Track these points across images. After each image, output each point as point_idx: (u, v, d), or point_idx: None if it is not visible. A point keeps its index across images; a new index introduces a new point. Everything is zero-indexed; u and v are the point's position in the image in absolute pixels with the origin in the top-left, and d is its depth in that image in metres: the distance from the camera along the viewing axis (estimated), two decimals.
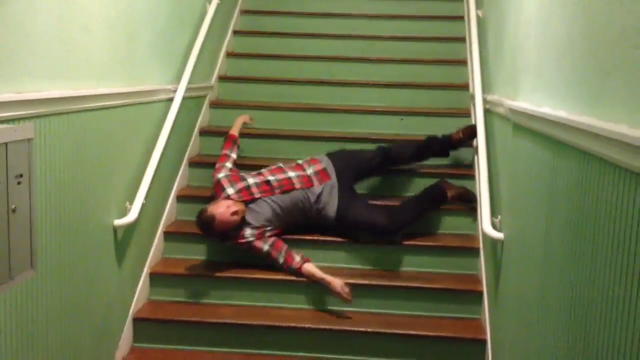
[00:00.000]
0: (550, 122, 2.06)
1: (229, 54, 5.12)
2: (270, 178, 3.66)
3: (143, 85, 3.40)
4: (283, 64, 5.05)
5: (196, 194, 4.13)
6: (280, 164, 3.79)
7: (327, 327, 3.39)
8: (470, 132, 4.04)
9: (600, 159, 1.62)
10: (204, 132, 4.55)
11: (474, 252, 3.73)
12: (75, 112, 2.61)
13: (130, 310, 3.43)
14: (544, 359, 2.10)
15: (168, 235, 3.88)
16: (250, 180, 3.64)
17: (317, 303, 3.56)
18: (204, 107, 4.66)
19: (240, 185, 3.62)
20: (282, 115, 4.67)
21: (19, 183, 1.89)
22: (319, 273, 3.49)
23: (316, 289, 3.53)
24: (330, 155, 3.90)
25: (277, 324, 3.38)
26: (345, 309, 3.50)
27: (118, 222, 3.11)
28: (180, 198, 4.10)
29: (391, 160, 3.99)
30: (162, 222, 3.87)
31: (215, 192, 3.68)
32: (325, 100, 4.78)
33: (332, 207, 3.66)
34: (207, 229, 3.46)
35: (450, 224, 3.95)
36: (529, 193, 2.46)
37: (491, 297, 3.28)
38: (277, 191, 3.62)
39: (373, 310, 3.56)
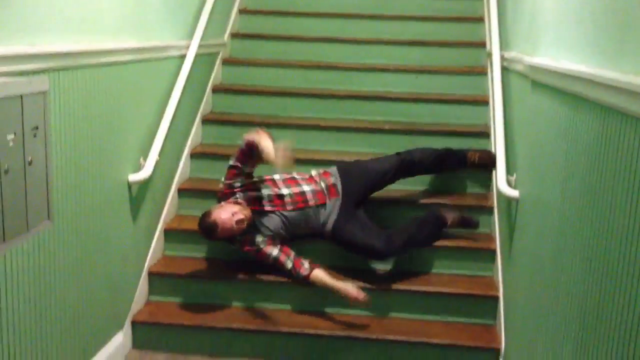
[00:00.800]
0: (570, 77, 2.03)
1: (242, 11, 5.06)
2: (285, 192, 3.41)
3: (156, 41, 3.37)
4: (296, 21, 4.98)
5: (210, 152, 4.13)
6: (295, 175, 3.54)
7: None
8: (485, 159, 3.76)
9: (621, 114, 1.59)
10: (217, 90, 4.52)
11: (488, 210, 3.72)
12: (89, 66, 2.60)
13: (145, 265, 3.47)
14: (556, 316, 2.11)
15: (182, 192, 3.90)
16: (264, 192, 3.39)
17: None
18: (217, 64, 4.63)
19: (252, 194, 3.38)
20: (294, 72, 4.62)
21: (34, 135, 1.90)
22: (330, 281, 3.25)
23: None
24: (340, 170, 3.60)
25: (287, 279, 3.39)
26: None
27: (132, 177, 3.12)
28: (194, 155, 4.10)
29: (406, 172, 3.73)
30: (176, 179, 3.88)
31: (224, 192, 3.40)
32: (339, 58, 4.73)
33: (330, 222, 3.45)
34: (209, 235, 3.25)
35: (464, 183, 3.93)
36: (547, 150, 2.43)
37: (504, 255, 3.29)
38: (289, 207, 3.39)
39: (390, 266, 3.58)
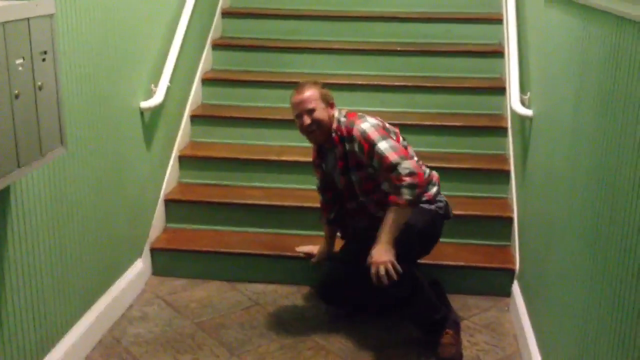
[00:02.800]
0: None
1: None
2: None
3: None
4: None
5: (221, 77, 4.11)
6: None
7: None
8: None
9: (636, 24, 1.55)
10: (226, 14, 4.45)
11: (502, 131, 3.70)
12: None
13: (162, 192, 3.51)
14: (570, 234, 2.12)
15: (195, 118, 3.90)
16: None
17: None
18: None
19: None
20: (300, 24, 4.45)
21: (43, 60, 1.90)
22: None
23: None
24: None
25: (304, 204, 3.43)
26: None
27: (144, 104, 3.12)
28: (205, 81, 4.08)
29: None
30: (188, 106, 3.87)
31: None
32: (346, 6, 4.56)
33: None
34: None
35: (475, 103, 3.90)
36: (560, 66, 2.39)
37: (518, 176, 3.28)
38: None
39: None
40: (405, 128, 3.70)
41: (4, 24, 1.70)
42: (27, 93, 1.82)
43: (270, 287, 3.25)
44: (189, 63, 3.87)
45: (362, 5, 4.47)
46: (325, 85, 3.78)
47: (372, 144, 2.60)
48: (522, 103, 3.05)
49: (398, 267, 2.51)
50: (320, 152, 2.91)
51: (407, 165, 2.54)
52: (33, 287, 2.25)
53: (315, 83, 2.77)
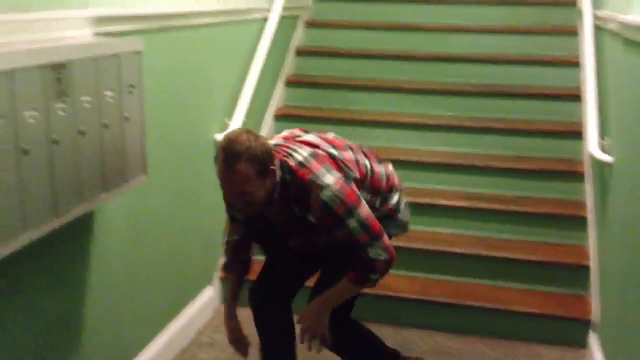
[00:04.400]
0: None
1: None
2: None
3: (239, 4, 3.41)
4: None
5: (293, 113, 4.15)
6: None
7: (421, 247, 3.39)
8: None
9: None
10: (300, 52, 4.53)
11: (579, 176, 3.59)
12: (177, 28, 2.66)
13: None
14: None
15: None
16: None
17: None
18: (299, 26, 4.62)
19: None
20: (376, 34, 4.56)
21: (130, 93, 1.96)
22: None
23: None
24: None
25: None
26: (438, 229, 3.50)
27: (219, 136, 3.18)
28: (277, 117, 4.13)
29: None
30: None
31: None
32: (422, 18, 4.61)
33: None
34: None
35: (552, 147, 3.81)
36: None
37: (598, 223, 3.17)
38: None
39: (473, 233, 3.52)
40: (476, 170, 3.70)
41: (96, 58, 1.78)
42: (115, 123, 1.89)
43: None
44: (262, 98, 3.94)
45: (434, 46, 4.46)
46: (396, 124, 3.84)
47: (339, 220, 2.01)
48: (601, 148, 2.96)
49: (329, 338, 2.21)
50: None
51: (380, 248, 2.05)
52: (109, 309, 2.32)
53: (247, 144, 1.91)
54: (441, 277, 3.36)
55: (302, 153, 2.06)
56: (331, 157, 2.09)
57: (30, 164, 1.55)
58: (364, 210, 2.04)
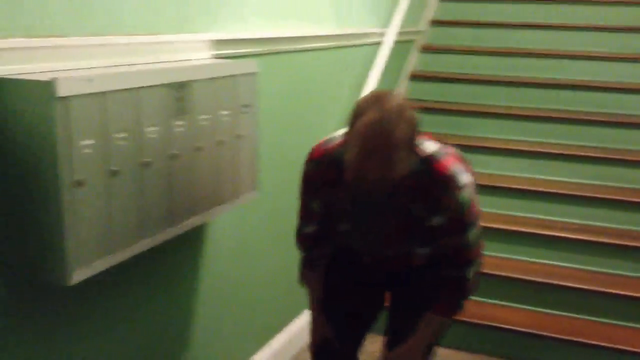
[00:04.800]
0: None
1: None
2: None
3: (353, 28, 3.47)
4: (492, 6, 4.82)
5: None
6: None
7: (534, 278, 3.27)
8: None
9: None
10: (414, 77, 4.54)
11: None
12: (291, 52, 2.75)
13: None
14: None
15: None
16: None
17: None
18: (413, 51, 4.64)
19: None
20: (492, 60, 4.51)
21: (245, 112, 2.06)
22: None
23: None
24: None
25: None
26: (557, 263, 3.38)
27: None
28: None
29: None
30: None
31: None
32: (539, 44, 4.51)
33: None
34: None
35: None
36: None
37: None
38: None
39: (591, 268, 3.37)
40: (596, 202, 3.54)
41: (214, 79, 1.88)
42: (229, 141, 1.99)
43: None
44: None
45: (552, 72, 4.34)
46: (513, 151, 3.71)
47: (463, 227, 1.77)
48: None
49: None
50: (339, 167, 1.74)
51: (477, 267, 1.86)
52: (213, 320, 2.40)
53: (406, 104, 1.59)
54: (555, 311, 3.23)
55: (431, 145, 1.73)
56: (459, 156, 1.79)
57: (150, 176, 1.66)
58: (480, 224, 1.83)
